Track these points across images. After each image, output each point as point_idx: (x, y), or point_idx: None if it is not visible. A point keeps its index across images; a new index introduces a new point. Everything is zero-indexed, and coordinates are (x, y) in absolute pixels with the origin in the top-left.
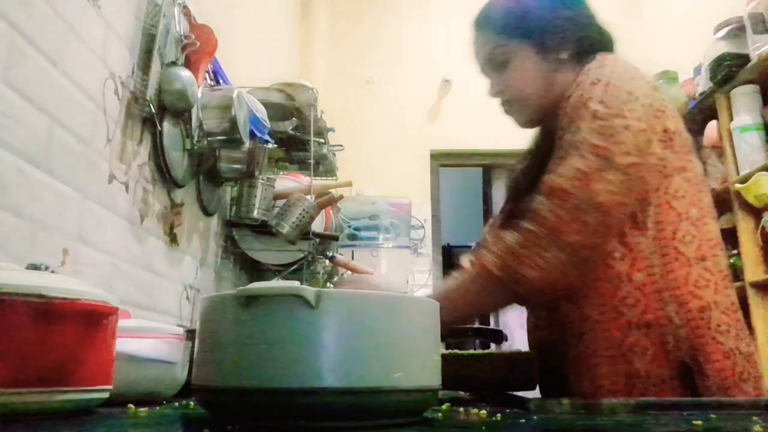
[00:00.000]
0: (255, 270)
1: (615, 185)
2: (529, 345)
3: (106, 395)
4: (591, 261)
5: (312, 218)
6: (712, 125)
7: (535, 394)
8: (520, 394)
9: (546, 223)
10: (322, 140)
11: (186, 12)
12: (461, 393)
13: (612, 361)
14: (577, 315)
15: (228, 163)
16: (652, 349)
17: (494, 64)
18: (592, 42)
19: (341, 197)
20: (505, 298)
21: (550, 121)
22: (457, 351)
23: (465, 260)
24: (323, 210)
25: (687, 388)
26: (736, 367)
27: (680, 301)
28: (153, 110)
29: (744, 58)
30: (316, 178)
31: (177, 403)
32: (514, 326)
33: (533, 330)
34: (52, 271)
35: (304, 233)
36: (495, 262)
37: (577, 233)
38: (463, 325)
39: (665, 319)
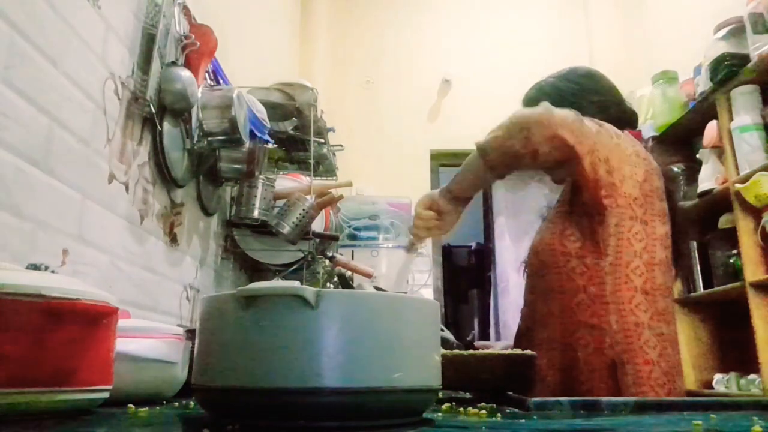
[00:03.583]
0: (255, 270)
1: (570, 124)
2: (516, 331)
3: (106, 395)
4: (527, 134)
5: (312, 218)
6: (712, 125)
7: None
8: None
9: (512, 115)
10: (322, 140)
11: (186, 12)
12: (461, 393)
13: (563, 348)
14: (546, 310)
15: (228, 163)
16: (593, 344)
17: None
18: (616, 120)
19: (341, 197)
20: (483, 171)
21: None
22: (457, 351)
23: None
24: (323, 210)
25: (611, 378)
26: (653, 374)
27: (621, 314)
28: (153, 110)
29: (744, 58)
30: (316, 178)
31: (177, 403)
32: (514, 325)
33: (520, 320)
34: (52, 271)
35: (304, 233)
36: (480, 143)
37: (520, 116)
38: (465, 193)
39: (607, 325)
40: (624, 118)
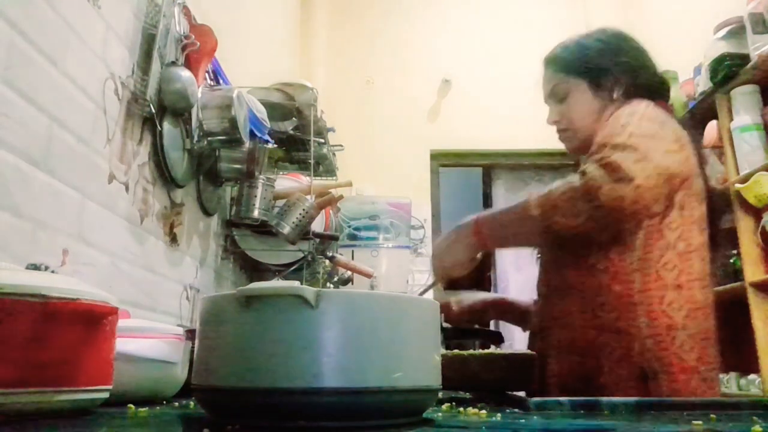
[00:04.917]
0: (255, 270)
1: (652, 176)
2: (530, 331)
3: (106, 395)
4: (614, 223)
5: (312, 218)
6: (712, 125)
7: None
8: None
9: (589, 183)
10: (322, 140)
11: (186, 12)
12: (461, 393)
13: (584, 353)
14: (564, 310)
15: (228, 163)
16: (619, 351)
17: (556, 97)
18: (642, 86)
19: (341, 197)
20: (535, 234)
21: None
22: (457, 351)
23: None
24: (323, 210)
25: (641, 389)
26: (691, 383)
27: (651, 317)
28: (153, 110)
29: (744, 58)
30: (316, 178)
31: (177, 403)
32: (514, 327)
33: (534, 316)
34: (52, 271)
35: (304, 233)
36: (537, 203)
37: (610, 200)
38: (497, 246)
39: (635, 329)
40: (653, 86)
